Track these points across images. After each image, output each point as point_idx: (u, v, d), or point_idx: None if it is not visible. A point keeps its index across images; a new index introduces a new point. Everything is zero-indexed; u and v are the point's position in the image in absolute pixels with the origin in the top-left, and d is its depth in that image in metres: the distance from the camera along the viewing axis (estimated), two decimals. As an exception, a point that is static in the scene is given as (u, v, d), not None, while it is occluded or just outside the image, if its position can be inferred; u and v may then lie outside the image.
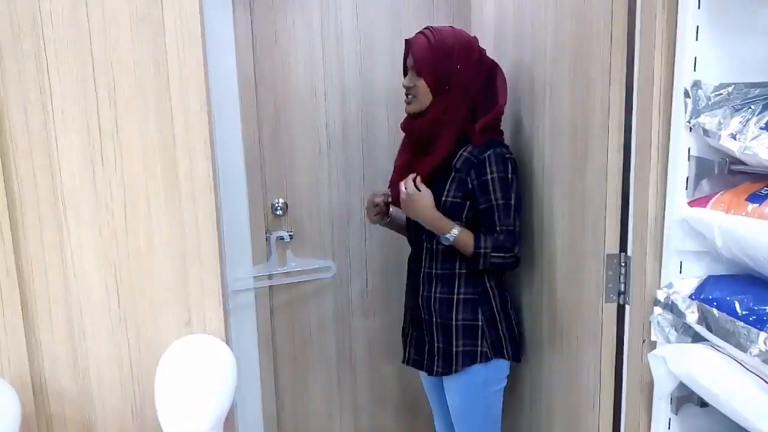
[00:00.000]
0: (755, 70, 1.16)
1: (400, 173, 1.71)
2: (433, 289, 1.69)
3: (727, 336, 1.05)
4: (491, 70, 1.66)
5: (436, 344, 1.69)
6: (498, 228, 1.58)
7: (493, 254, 1.57)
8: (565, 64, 1.48)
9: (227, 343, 1.16)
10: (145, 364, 1.16)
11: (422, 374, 1.85)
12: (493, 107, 1.63)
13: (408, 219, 1.78)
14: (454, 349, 1.66)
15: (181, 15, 1.08)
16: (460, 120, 1.62)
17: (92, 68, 1.08)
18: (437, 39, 1.59)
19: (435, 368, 1.70)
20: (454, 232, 1.58)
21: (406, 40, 1.66)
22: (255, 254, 2.45)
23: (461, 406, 1.73)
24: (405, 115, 1.71)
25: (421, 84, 1.61)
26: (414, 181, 1.61)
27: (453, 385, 1.71)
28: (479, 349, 1.66)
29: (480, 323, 1.65)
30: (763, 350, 0.97)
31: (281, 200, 2.44)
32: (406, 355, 1.82)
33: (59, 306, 1.13)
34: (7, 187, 1.07)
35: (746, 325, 1.01)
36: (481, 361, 1.66)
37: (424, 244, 1.70)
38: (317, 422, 2.67)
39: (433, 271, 1.69)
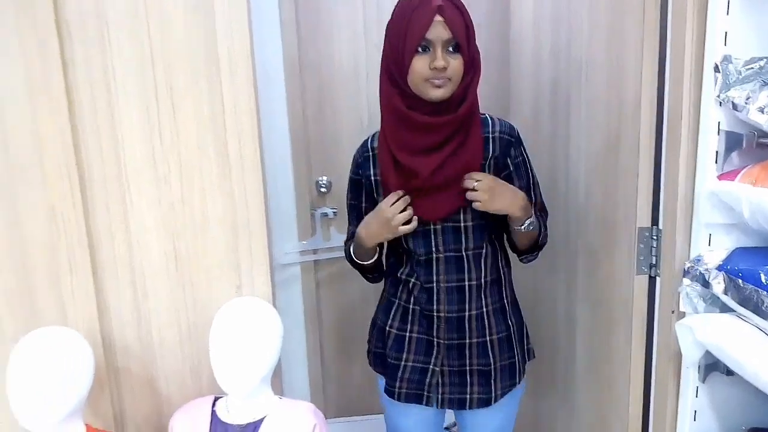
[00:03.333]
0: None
1: (432, 176, 1.30)
2: (484, 302, 1.40)
3: (752, 305, 1.08)
4: None
5: (493, 365, 1.40)
6: (538, 206, 1.45)
7: (545, 234, 1.45)
8: (601, 42, 1.50)
9: (273, 304, 1.26)
10: (200, 325, 1.28)
11: (413, 417, 1.52)
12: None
13: (427, 219, 1.37)
14: (516, 358, 1.43)
15: (229, 1, 1.16)
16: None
17: (150, 52, 1.17)
18: (464, 9, 1.28)
19: (494, 395, 1.40)
20: (532, 216, 1.36)
21: (438, 5, 1.23)
22: (301, 230, 2.55)
23: (502, 424, 1.50)
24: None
25: (458, 63, 1.27)
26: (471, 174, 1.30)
27: (501, 402, 1.44)
28: (527, 347, 1.50)
29: (524, 319, 1.50)
30: (785, 318, 1.00)
31: (325, 178, 2.53)
32: (435, 399, 1.43)
33: (124, 271, 1.25)
34: (77, 161, 1.19)
35: (771, 295, 1.04)
36: (530, 359, 1.50)
37: (465, 252, 1.38)
38: (361, 392, 2.78)
39: (483, 280, 1.39)
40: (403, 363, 1.44)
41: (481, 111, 1.37)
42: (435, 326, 1.39)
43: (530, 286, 1.94)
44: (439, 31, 1.23)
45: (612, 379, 1.54)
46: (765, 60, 1.14)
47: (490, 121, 1.38)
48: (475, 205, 1.29)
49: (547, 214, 1.48)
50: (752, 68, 1.14)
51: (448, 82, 1.26)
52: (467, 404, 1.41)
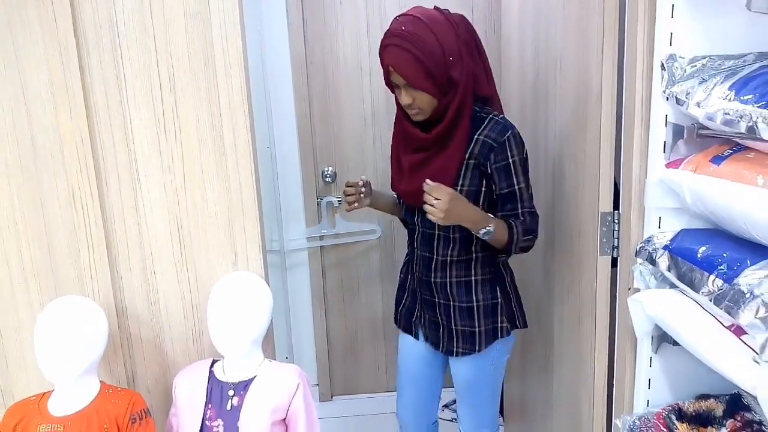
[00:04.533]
0: (734, 43, 1.26)
1: (412, 173, 1.57)
2: (448, 274, 1.61)
3: (687, 280, 1.19)
4: (466, 27, 1.52)
5: (455, 327, 1.63)
6: (521, 211, 1.54)
7: (522, 239, 1.53)
8: (572, 39, 1.62)
9: (265, 279, 1.42)
10: (201, 296, 1.44)
11: (409, 342, 1.80)
12: (487, 68, 1.56)
13: (405, 204, 1.69)
14: (477, 329, 1.62)
15: (224, 12, 1.31)
16: (471, 103, 1.51)
17: (156, 58, 1.34)
18: (418, 44, 1.39)
19: (456, 349, 1.64)
20: (491, 227, 1.47)
21: (382, 59, 1.46)
22: (307, 218, 2.72)
23: (473, 379, 1.71)
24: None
25: (423, 97, 1.45)
26: (430, 185, 1.42)
27: (468, 361, 1.67)
28: (499, 325, 1.64)
29: (498, 300, 1.64)
30: (712, 290, 1.11)
31: (330, 168, 2.68)
32: (421, 334, 1.75)
33: (135, 248, 1.42)
34: (93, 153, 1.36)
35: (701, 270, 1.16)
36: (501, 336, 1.65)
37: (437, 233, 1.60)
38: (366, 372, 2.93)
39: (449, 258, 1.60)
40: (402, 302, 1.80)
41: (490, 109, 1.56)
42: (417, 283, 1.71)
43: (516, 266, 2.06)
44: (396, 78, 1.46)
45: (581, 352, 1.67)
46: (706, 59, 1.23)
47: (486, 122, 1.52)
48: (429, 217, 1.43)
49: (534, 218, 1.57)
50: (695, 66, 1.24)
51: (420, 111, 1.49)
52: (440, 347, 1.69)
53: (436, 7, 1.50)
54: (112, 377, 1.46)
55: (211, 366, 1.40)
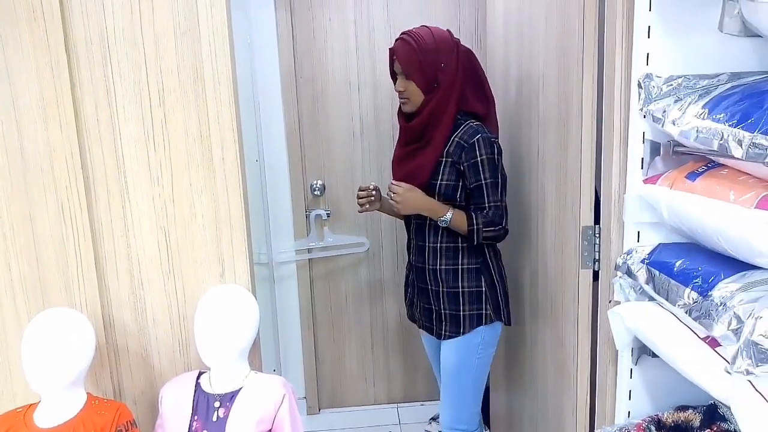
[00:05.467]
0: (708, 63, 1.30)
1: (398, 164, 1.88)
2: (439, 261, 1.83)
3: (665, 293, 1.22)
4: (468, 55, 1.79)
5: (443, 311, 1.84)
6: (487, 204, 1.74)
7: (485, 229, 1.74)
8: (553, 58, 1.66)
9: (252, 292, 1.43)
10: (188, 308, 1.46)
11: (425, 338, 2.04)
12: (481, 92, 1.81)
13: None
14: (461, 313, 1.81)
15: (213, 29, 1.34)
16: (452, 111, 1.76)
17: (146, 73, 1.36)
18: (418, 42, 1.72)
19: (444, 332, 1.85)
20: (448, 215, 1.74)
21: (390, 49, 1.80)
22: (296, 230, 2.74)
23: (456, 364, 1.86)
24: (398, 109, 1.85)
25: (412, 86, 1.75)
26: (392, 184, 1.77)
27: (453, 344, 1.84)
28: (484, 312, 1.81)
29: (483, 289, 1.81)
30: (688, 303, 1.14)
31: (319, 181, 2.71)
32: (416, 320, 1.99)
33: (123, 260, 1.43)
34: (83, 166, 1.38)
35: (677, 283, 1.19)
36: (486, 323, 1.82)
37: (428, 221, 1.83)
38: (353, 384, 2.94)
39: (438, 245, 1.82)
40: (407, 296, 2.03)
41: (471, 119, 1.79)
42: (414, 272, 1.93)
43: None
44: (396, 65, 1.78)
45: (565, 364, 1.69)
46: (681, 78, 1.27)
47: (462, 127, 1.77)
48: (391, 204, 1.80)
49: (498, 211, 1.76)
50: (671, 85, 1.28)
51: (408, 101, 1.79)
52: (433, 332, 1.90)
53: (447, 30, 1.80)
54: (99, 389, 1.47)
55: (198, 377, 1.41)
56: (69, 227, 1.39)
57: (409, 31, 1.76)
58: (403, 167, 1.84)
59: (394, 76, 1.83)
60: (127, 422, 1.34)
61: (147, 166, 1.39)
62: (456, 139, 1.76)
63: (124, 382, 1.49)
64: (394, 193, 1.76)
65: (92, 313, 1.41)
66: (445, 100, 1.74)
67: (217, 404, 1.37)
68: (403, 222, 2.05)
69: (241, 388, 1.37)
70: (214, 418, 1.36)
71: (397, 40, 1.79)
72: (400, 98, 1.81)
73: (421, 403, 2.93)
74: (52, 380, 1.25)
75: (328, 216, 2.71)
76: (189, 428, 1.36)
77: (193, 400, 1.37)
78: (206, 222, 1.42)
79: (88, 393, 1.34)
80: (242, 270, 1.43)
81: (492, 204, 1.75)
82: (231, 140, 1.38)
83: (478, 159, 1.72)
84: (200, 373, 1.43)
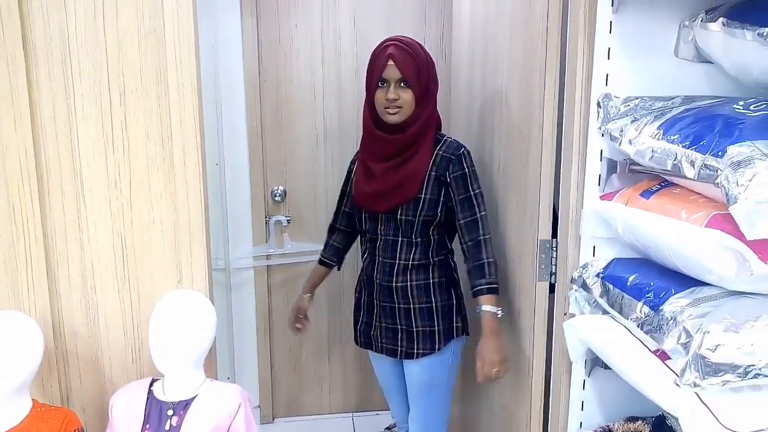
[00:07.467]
0: (663, 86, 1.35)
1: (383, 179, 1.73)
2: (409, 278, 1.77)
3: (618, 307, 1.26)
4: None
5: (415, 328, 1.78)
6: (479, 215, 1.72)
7: (492, 261, 1.73)
8: (516, 75, 1.70)
9: (210, 298, 1.41)
10: (143, 314, 1.42)
11: (382, 361, 1.94)
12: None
13: (367, 216, 1.82)
14: (436, 329, 1.78)
15: (179, 30, 1.32)
16: (436, 123, 1.77)
17: (107, 73, 1.33)
18: (415, 51, 1.68)
19: (416, 351, 1.78)
20: (493, 305, 1.70)
21: (387, 54, 1.66)
22: (255, 236, 2.70)
23: (428, 379, 1.83)
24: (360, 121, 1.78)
25: (408, 96, 1.67)
26: (492, 373, 1.68)
27: (426, 361, 1.79)
28: (455, 325, 1.81)
29: (453, 302, 1.81)
30: (640, 317, 1.17)
31: (281, 187, 2.69)
32: (373, 344, 1.89)
33: (75, 265, 1.39)
34: (37, 167, 1.33)
35: (630, 297, 1.23)
36: (456, 336, 1.81)
37: (401, 239, 1.76)
38: (309, 392, 2.91)
39: (410, 263, 1.76)
40: (359, 320, 1.93)
41: (444, 133, 1.81)
42: (376, 291, 1.82)
43: (465, 288, 2.11)
44: (392, 71, 1.66)
45: (520, 375, 1.72)
46: (638, 99, 1.32)
47: (442, 142, 1.76)
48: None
49: (485, 220, 1.75)
50: (628, 106, 1.32)
51: (400, 110, 1.68)
52: (398, 354, 1.83)
53: None
54: (45, 395, 1.42)
55: (151, 385, 1.38)
56: (20, 229, 1.34)
57: (399, 38, 1.69)
58: (389, 180, 1.72)
59: (378, 83, 1.69)
60: (75, 430, 1.29)
61: (105, 169, 1.36)
62: (440, 152, 1.74)
63: (73, 389, 1.44)
64: (496, 371, 1.68)
65: (41, 317, 1.36)
66: (432, 113, 1.75)
67: (170, 412, 1.34)
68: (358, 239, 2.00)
69: (195, 396, 1.34)
70: (167, 427, 1.33)
71: (388, 46, 1.67)
72: (390, 108, 1.68)
73: (377, 412, 2.92)
74: (-5, 387, 1.21)
75: (288, 222, 2.69)
76: (140, 437, 1.33)
77: (145, 408, 1.34)
78: (165, 228, 1.39)
79: (33, 400, 1.29)
80: (200, 278, 1.41)
81: (483, 213, 1.74)
82: (194, 146, 1.35)
83: (467, 171, 1.73)
84: (153, 380, 1.39)
